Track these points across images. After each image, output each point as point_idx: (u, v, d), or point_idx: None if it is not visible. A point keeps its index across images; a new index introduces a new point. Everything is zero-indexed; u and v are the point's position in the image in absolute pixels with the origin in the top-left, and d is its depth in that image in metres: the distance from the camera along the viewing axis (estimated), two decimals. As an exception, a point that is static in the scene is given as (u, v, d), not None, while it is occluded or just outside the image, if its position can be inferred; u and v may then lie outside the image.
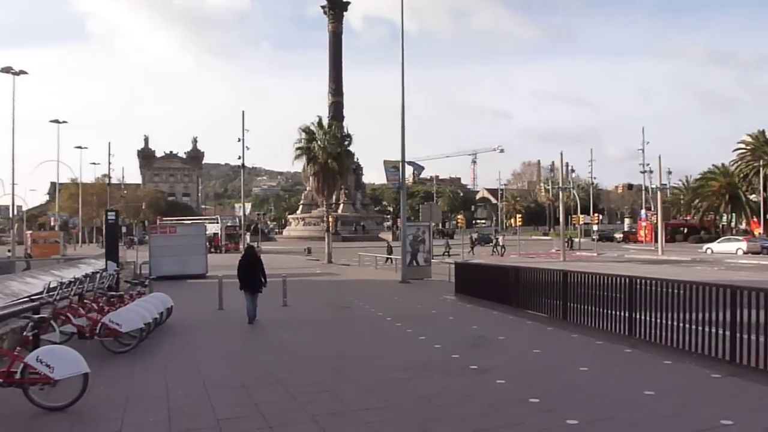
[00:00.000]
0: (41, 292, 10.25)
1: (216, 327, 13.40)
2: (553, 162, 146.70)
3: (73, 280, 10.79)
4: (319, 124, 40.06)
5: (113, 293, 11.82)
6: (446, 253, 42.09)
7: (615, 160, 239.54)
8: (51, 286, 10.01)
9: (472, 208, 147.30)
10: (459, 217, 46.50)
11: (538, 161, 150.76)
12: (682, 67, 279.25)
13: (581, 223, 64.66)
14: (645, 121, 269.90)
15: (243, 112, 52.91)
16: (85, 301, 10.79)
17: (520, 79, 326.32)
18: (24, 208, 73.72)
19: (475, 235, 51.11)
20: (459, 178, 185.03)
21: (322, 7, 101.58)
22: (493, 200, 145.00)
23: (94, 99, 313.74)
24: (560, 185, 42.59)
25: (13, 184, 50.53)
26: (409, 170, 31.09)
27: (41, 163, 70.89)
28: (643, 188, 73.58)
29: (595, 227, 66.59)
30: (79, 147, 73.38)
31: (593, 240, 62.27)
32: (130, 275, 27.12)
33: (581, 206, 66.96)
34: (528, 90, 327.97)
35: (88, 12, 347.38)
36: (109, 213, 19.21)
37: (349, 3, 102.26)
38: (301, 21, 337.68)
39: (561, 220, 42.21)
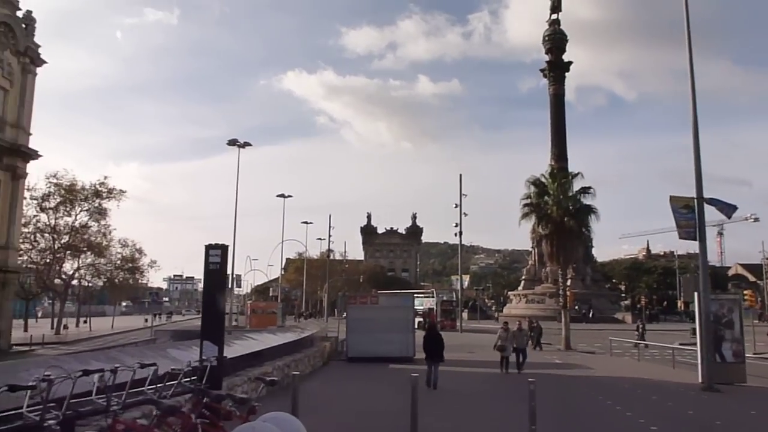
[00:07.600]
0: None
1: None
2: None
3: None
4: (551, 174, 32.81)
5: (206, 405, 5.91)
6: None
7: None
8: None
9: (728, 286, 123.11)
10: (746, 292, 34.41)
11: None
12: None
13: None
14: None
15: (460, 175, 47.81)
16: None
17: (758, 141, 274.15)
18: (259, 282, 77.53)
19: None
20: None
21: (542, 70, 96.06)
22: (751, 278, 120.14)
23: (325, 184, 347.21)
24: None
25: (234, 253, 51.73)
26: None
27: (279, 243, 73.36)
28: None
29: None
30: (305, 222, 76.03)
31: None
32: (329, 353, 22.37)
33: None
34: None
35: (317, 110, 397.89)
36: (211, 250, 9.32)
37: (570, 63, 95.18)
38: (509, 102, 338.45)
39: None
